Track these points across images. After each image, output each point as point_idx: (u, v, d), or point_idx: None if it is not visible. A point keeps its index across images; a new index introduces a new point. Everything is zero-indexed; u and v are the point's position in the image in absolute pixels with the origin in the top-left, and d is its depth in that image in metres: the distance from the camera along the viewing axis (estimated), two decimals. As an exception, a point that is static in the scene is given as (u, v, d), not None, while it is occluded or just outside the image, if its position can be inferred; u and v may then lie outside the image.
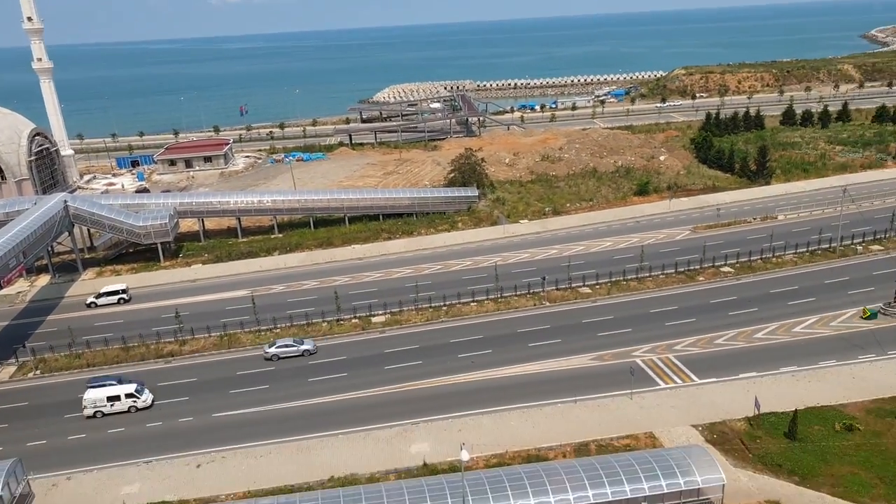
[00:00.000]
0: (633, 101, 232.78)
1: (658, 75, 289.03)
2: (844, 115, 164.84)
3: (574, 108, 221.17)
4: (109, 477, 52.15)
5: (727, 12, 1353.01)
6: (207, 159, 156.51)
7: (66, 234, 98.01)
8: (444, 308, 77.89)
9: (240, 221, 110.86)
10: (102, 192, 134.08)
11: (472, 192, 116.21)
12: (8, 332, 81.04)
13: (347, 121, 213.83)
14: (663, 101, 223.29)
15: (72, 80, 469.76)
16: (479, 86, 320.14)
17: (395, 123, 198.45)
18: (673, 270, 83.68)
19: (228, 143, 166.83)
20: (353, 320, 76.41)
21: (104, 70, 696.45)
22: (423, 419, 56.97)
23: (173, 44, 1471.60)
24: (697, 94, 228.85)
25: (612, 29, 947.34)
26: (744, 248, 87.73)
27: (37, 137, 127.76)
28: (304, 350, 69.54)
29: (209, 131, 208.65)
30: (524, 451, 51.80)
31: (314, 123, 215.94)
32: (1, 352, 74.10)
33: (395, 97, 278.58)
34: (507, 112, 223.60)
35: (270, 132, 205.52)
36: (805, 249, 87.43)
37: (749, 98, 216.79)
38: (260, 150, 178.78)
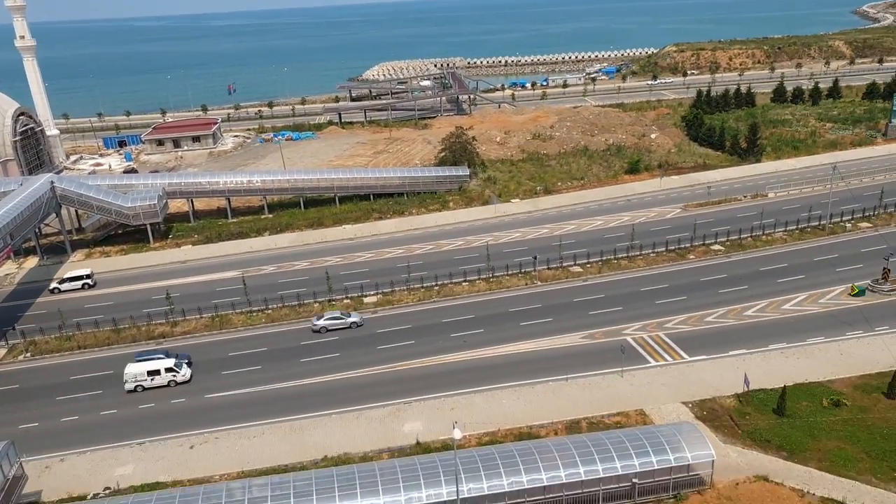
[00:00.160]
0: (624, 78, 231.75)
1: (649, 52, 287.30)
2: (835, 91, 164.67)
3: (565, 85, 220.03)
4: (103, 458, 52.30)
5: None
6: (196, 139, 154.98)
7: (54, 215, 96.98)
8: (436, 288, 78.00)
9: (229, 202, 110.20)
10: (89, 173, 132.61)
11: (463, 171, 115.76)
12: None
13: (337, 99, 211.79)
14: (654, 78, 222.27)
15: (56, 58, 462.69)
16: (469, 63, 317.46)
17: (384, 101, 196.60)
18: (664, 249, 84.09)
19: (217, 123, 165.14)
20: (345, 301, 76.45)
21: (89, 48, 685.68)
22: (416, 398, 57.29)
23: (160, 21, 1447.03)
24: (688, 72, 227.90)
25: (603, 5, 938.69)
26: (734, 226, 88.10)
27: (21, 117, 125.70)
28: (352, 322, 70.51)
29: (197, 110, 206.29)
30: (516, 428, 52.25)
31: (303, 102, 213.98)
32: (-10, 334, 73.60)
33: (384, 75, 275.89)
34: (497, 90, 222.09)
35: (259, 111, 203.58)
36: (795, 227, 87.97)
37: (740, 75, 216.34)
38: (249, 130, 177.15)
